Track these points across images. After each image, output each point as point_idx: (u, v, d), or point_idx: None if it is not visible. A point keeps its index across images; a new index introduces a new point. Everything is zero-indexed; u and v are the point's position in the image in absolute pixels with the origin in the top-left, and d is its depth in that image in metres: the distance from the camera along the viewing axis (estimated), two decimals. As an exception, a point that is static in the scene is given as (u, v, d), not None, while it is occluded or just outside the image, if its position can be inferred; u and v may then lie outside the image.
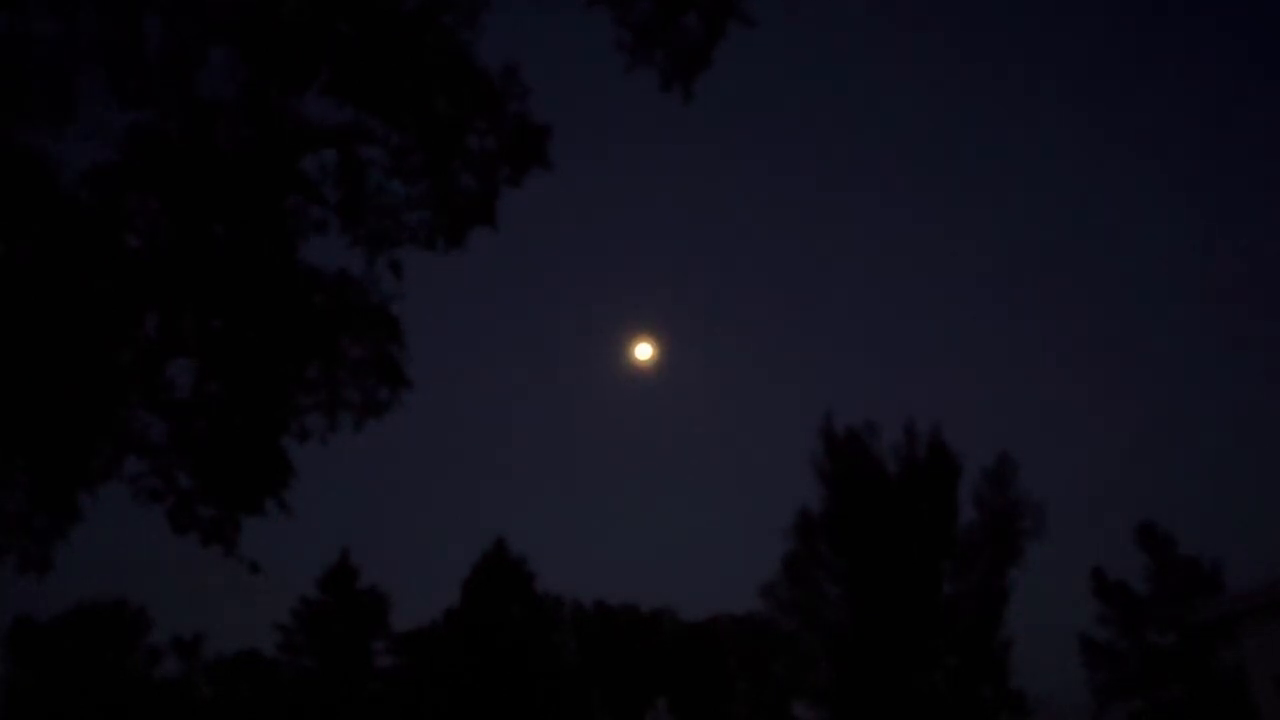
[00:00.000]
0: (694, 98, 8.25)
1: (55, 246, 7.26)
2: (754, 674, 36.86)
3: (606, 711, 36.33)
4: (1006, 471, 30.50)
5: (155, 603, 37.96)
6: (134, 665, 35.12)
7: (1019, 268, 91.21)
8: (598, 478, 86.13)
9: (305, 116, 7.90)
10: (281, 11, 7.42)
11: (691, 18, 7.77)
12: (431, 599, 48.09)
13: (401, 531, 77.58)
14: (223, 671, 35.70)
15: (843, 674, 29.26)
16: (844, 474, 30.98)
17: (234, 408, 8.37)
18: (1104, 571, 32.92)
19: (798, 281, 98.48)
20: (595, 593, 39.78)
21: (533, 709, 31.84)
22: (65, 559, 8.09)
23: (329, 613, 35.54)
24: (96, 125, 7.40)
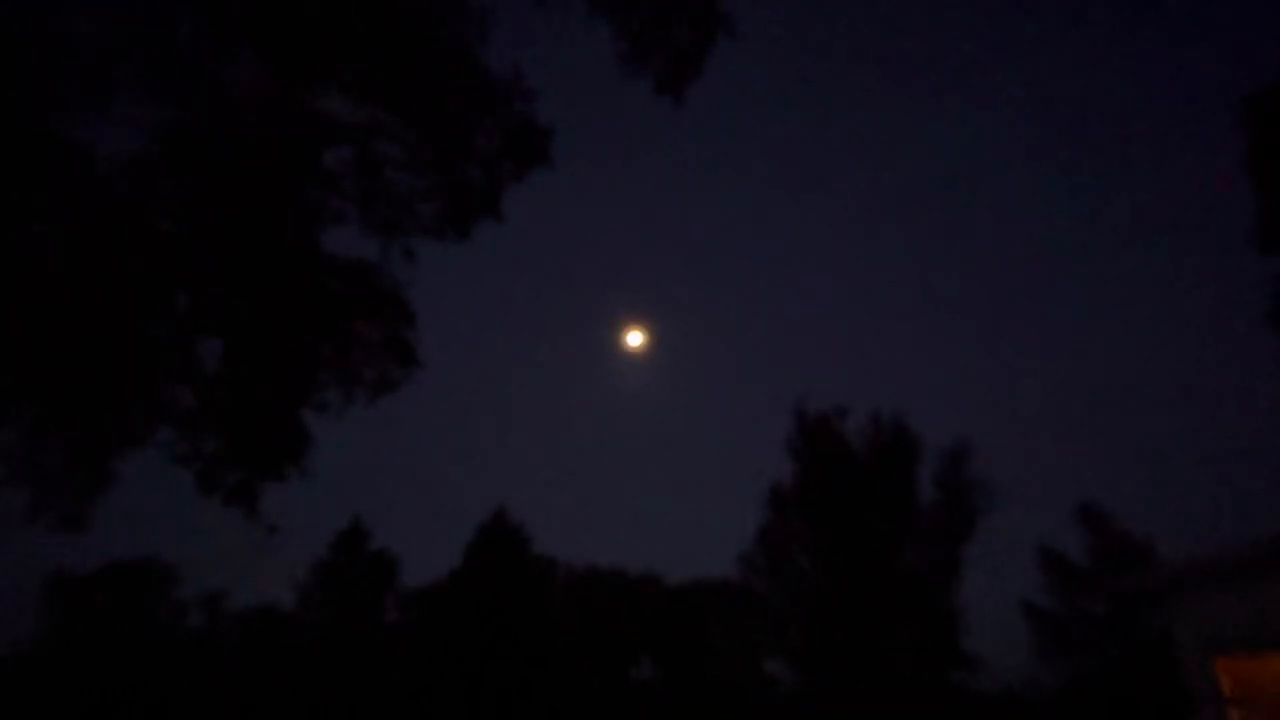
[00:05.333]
0: (685, 103, 8.21)
1: (92, 229, 7.20)
2: (731, 634, 37.04)
3: (595, 667, 36.50)
4: (962, 454, 30.67)
5: (184, 560, 37.86)
6: (162, 617, 35.05)
7: (980, 272, 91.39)
8: (591, 453, 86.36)
9: (325, 113, 7.84)
10: (304, 15, 7.33)
11: (683, 29, 7.72)
12: (437, 561, 48.19)
13: (411, 499, 77.60)
14: (244, 624, 35.65)
15: (811, 635, 29.47)
16: (815, 453, 31.08)
17: (257, 381, 8.34)
18: (1048, 545, 33.18)
19: (778, 276, 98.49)
20: (586, 558, 39.91)
21: (527, 664, 31.97)
22: (100, 517, 8.07)
23: (343, 572, 35.51)
24: (131, 118, 7.32)
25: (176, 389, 8.14)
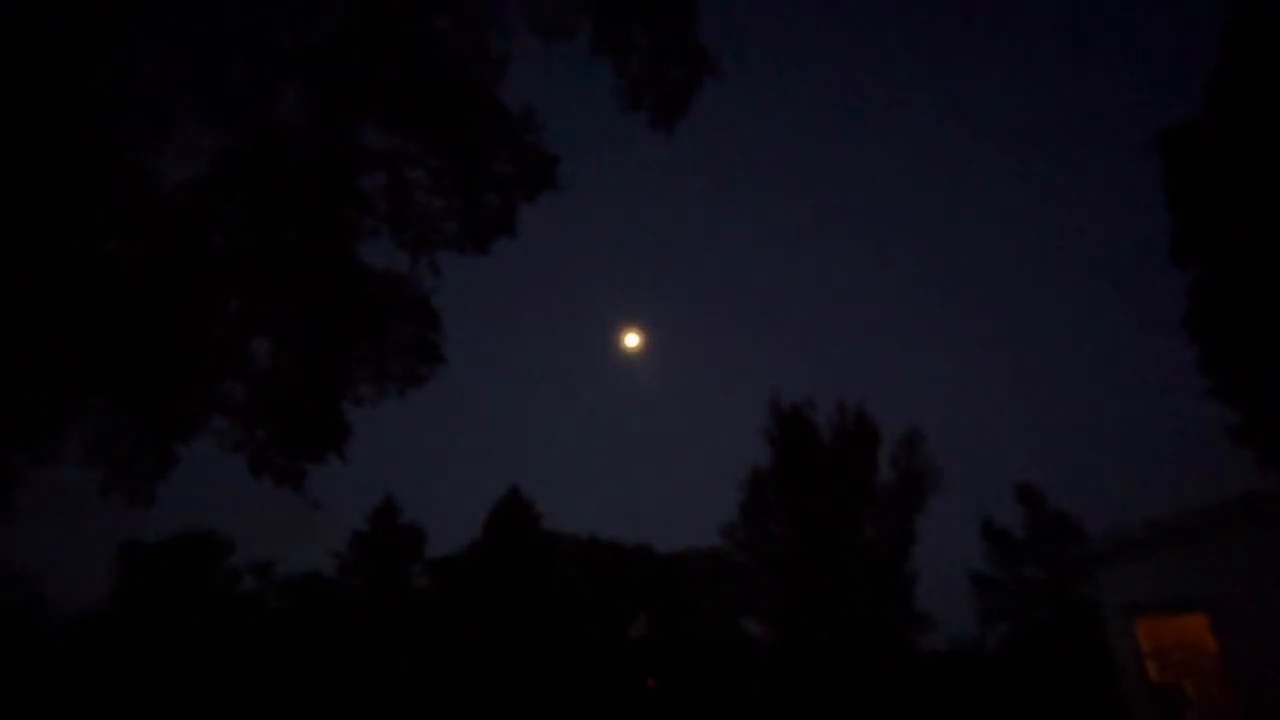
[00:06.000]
0: (674, 137, 8.18)
1: (157, 243, 7.17)
2: (714, 597, 37.05)
3: (597, 624, 36.52)
4: (915, 440, 30.64)
5: (238, 532, 37.71)
6: (218, 582, 34.95)
7: (935, 279, 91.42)
8: (595, 439, 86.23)
9: (362, 143, 7.82)
10: (344, 58, 7.31)
11: (674, 70, 7.70)
12: (458, 534, 48.13)
13: (436, 479, 77.42)
14: (290, 589, 35.53)
15: (783, 597, 29.51)
16: (788, 439, 31.07)
17: (302, 377, 8.32)
18: (990, 521, 33.22)
19: (759, 285, 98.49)
20: (589, 530, 39.87)
21: (537, 622, 31.97)
22: (165, 495, 8.05)
23: (376, 543, 35.40)
24: (191, 146, 7.29)
25: (230, 384, 8.12)
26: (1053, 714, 21.69)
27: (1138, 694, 9.44)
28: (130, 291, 7.04)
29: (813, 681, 26.51)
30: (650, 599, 37.61)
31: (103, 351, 7.10)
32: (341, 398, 8.48)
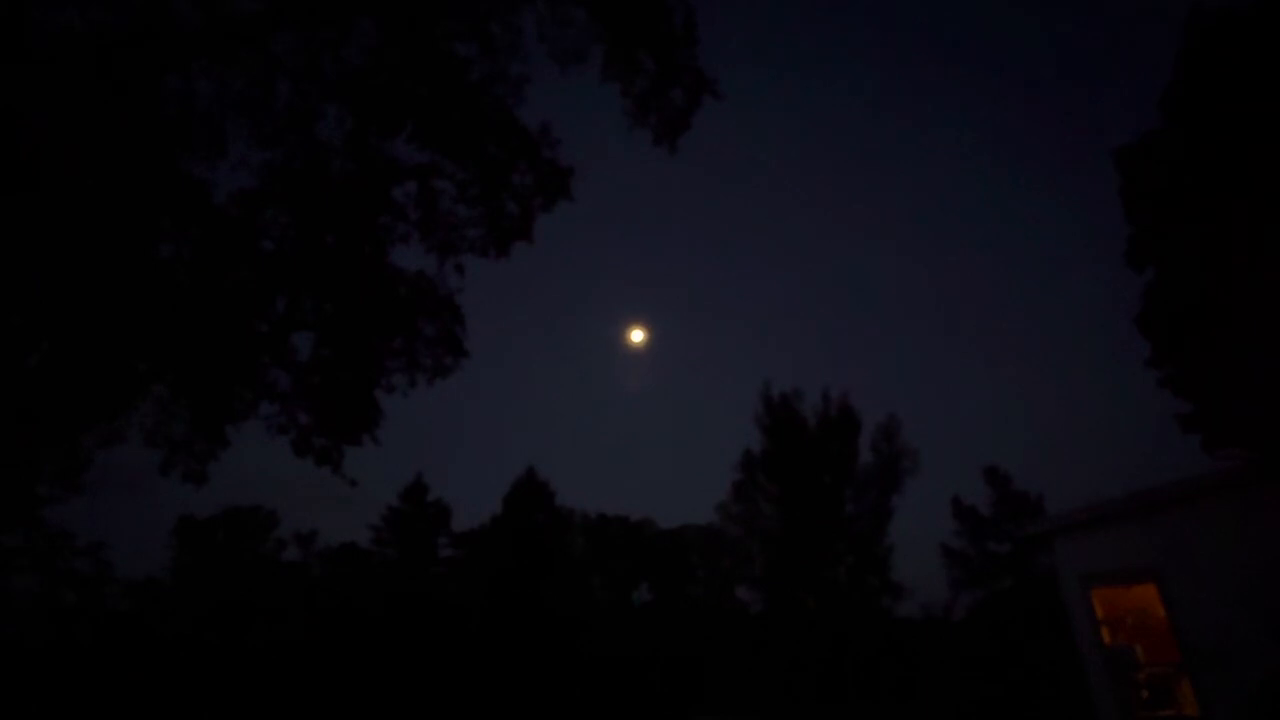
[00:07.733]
0: (678, 151, 8.15)
1: (211, 247, 7.19)
2: (710, 567, 37.12)
3: (604, 592, 36.63)
4: (893, 427, 30.62)
5: (283, 507, 37.92)
6: (265, 552, 35.16)
7: (922, 279, 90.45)
8: (603, 424, 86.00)
9: (394, 157, 7.82)
10: (378, 79, 7.30)
11: (677, 92, 7.68)
12: (480, 508, 48.22)
13: (460, 459, 77.43)
14: (330, 558, 35.71)
15: (773, 568, 29.56)
16: (777, 426, 31.04)
17: (340, 367, 8.34)
18: (960, 499, 33.18)
19: (751, 285, 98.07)
20: (598, 506, 39.96)
21: (551, 590, 32.10)
22: (217, 473, 8.10)
23: (407, 517, 35.52)
24: (241, 159, 7.32)
25: (276, 373, 8.15)
26: (1015, 675, 21.71)
27: (1092, 656, 9.44)
28: (187, 289, 7.07)
29: (799, 644, 26.57)
30: (653, 569, 37.68)
31: (162, 343, 7.14)
32: (376, 386, 8.50)
